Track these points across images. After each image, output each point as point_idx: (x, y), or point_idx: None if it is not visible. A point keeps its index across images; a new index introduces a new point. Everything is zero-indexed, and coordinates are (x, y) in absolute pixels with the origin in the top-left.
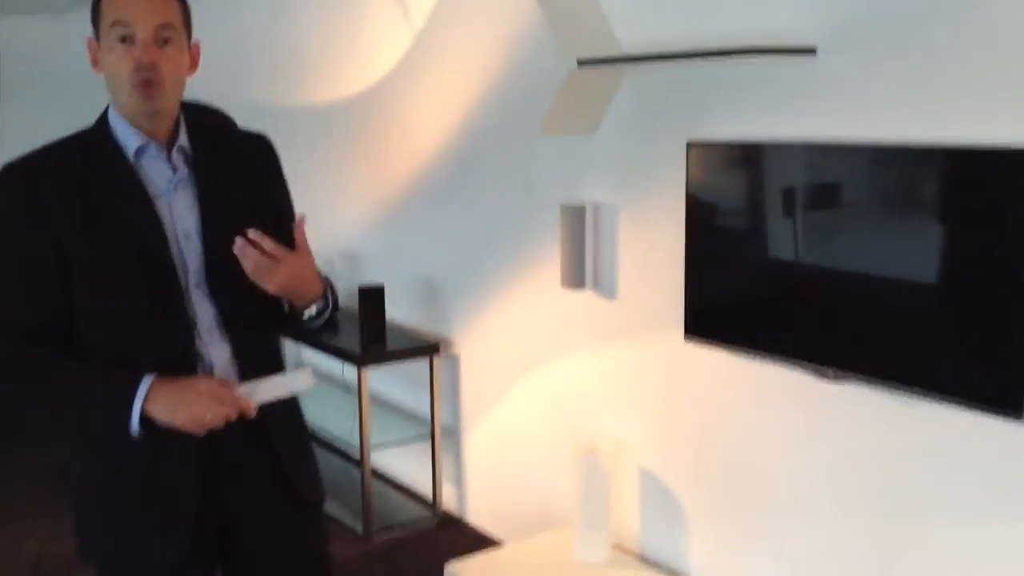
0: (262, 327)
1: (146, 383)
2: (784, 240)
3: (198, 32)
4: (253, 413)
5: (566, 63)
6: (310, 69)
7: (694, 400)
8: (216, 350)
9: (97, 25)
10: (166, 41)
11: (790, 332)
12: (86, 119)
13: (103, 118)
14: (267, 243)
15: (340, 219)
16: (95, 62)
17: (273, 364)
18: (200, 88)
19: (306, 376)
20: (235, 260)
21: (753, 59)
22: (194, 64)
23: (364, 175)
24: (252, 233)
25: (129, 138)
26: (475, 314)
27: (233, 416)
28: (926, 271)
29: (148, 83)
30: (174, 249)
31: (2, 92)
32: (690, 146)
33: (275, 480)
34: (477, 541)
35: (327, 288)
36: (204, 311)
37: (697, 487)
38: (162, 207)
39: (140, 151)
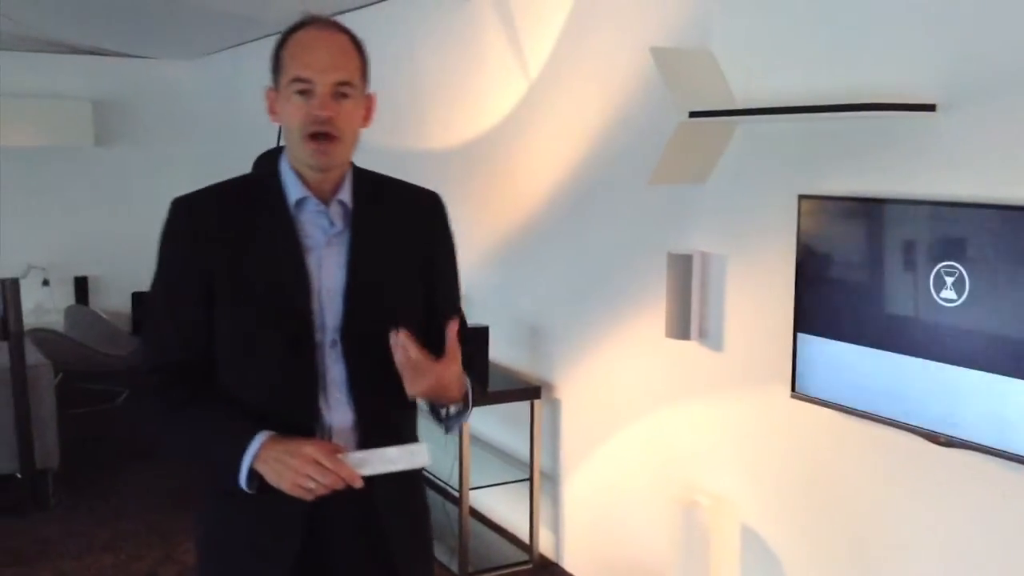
0: (392, 398)
1: (257, 442)
2: (899, 297)
3: None
4: (359, 483)
5: (678, 115)
6: (429, 115)
7: (799, 458)
8: (338, 414)
9: (277, 76)
10: (344, 96)
11: (901, 393)
12: (219, 160)
13: (275, 162)
14: (413, 351)
15: None
16: (272, 111)
17: (398, 439)
18: None
19: (422, 453)
20: (374, 323)
21: (872, 115)
22: (368, 116)
23: (475, 218)
24: (403, 338)
25: (292, 188)
26: (578, 359)
27: (338, 485)
28: None
29: (322, 137)
30: (315, 305)
31: (141, 131)
32: (802, 199)
33: (376, 558)
34: None
35: (467, 392)
36: (335, 371)
37: (799, 547)
38: (311, 261)
39: (300, 203)
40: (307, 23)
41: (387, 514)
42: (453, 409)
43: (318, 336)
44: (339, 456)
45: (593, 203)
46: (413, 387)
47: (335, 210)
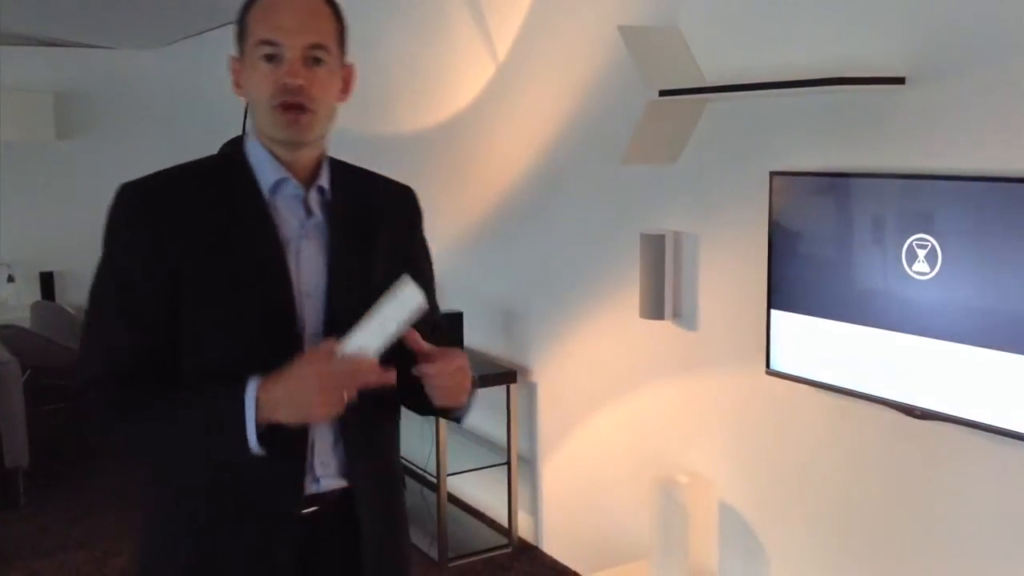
0: (377, 402)
1: (252, 389)
2: (871, 271)
3: None
4: (390, 378)
5: (647, 93)
6: (397, 99)
7: (775, 434)
8: (321, 426)
9: (242, 43)
10: (317, 61)
11: (876, 367)
12: (184, 151)
13: (239, 143)
14: (423, 345)
15: None
16: (237, 84)
17: (382, 444)
18: None
19: (411, 293)
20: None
21: (841, 89)
22: (346, 88)
23: (445, 203)
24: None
25: (266, 169)
26: (553, 342)
27: (359, 380)
28: (1019, 305)
29: (293, 107)
30: (296, 304)
31: (104, 123)
32: (773, 175)
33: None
34: (552, 570)
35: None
36: None
37: (777, 523)
38: (289, 255)
39: (277, 186)
40: None
41: (367, 526)
42: (457, 413)
43: (299, 337)
44: (340, 351)
45: (564, 185)
46: (457, 396)
47: (314, 197)
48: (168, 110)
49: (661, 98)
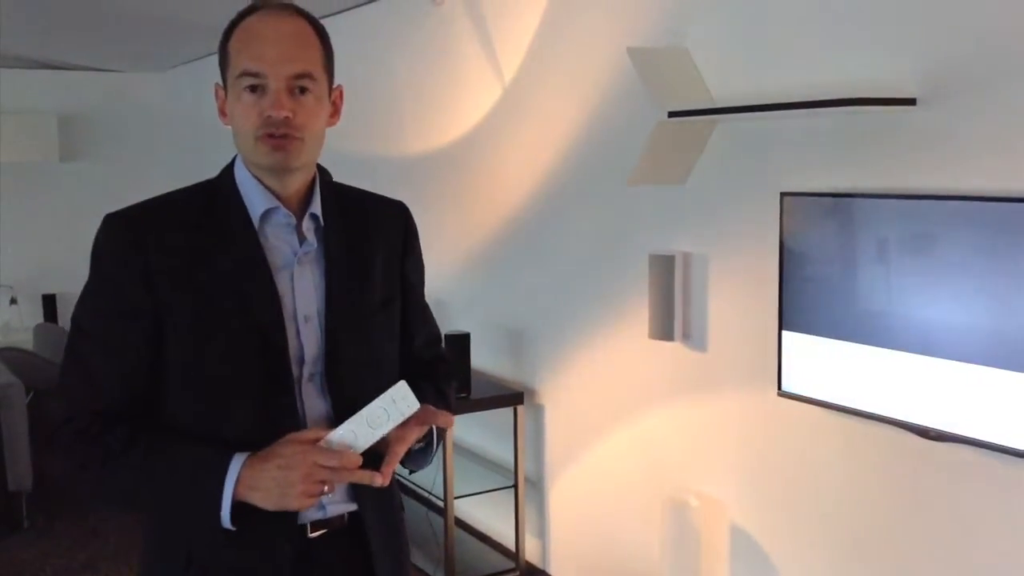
0: None
1: (236, 466)
2: (883, 293)
3: None
4: (380, 481)
5: (655, 114)
6: (403, 121)
7: (787, 456)
8: None
9: (225, 71)
10: (303, 91)
11: (890, 388)
12: (187, 175)
13: (228, 171)
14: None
15: (428, 266)
16: (222, 112)
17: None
18: None
19: (405, 395)
20: (358, 351)
21: (852, 110)
22: (335, 112)
23: (453, 224)
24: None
25: (256, 197)
26: (561, 364)
27: (343, 478)
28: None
29: (278, 137)
30: (290, 333)
31: (108, 146)
32: (784, 196)
33: None
34: None
35: (430, 431)
36: (314, 409)
37: (789, 546)
38: (282, 282)
39: (266, 215)
40: (256, 7)
41: (377, 548)
42: (417, 446)
43: (295, 370)
44: (325, 442)
45: (572, 206)
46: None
47: (308, 225)
48: (171, 133)
49: (670, 119)
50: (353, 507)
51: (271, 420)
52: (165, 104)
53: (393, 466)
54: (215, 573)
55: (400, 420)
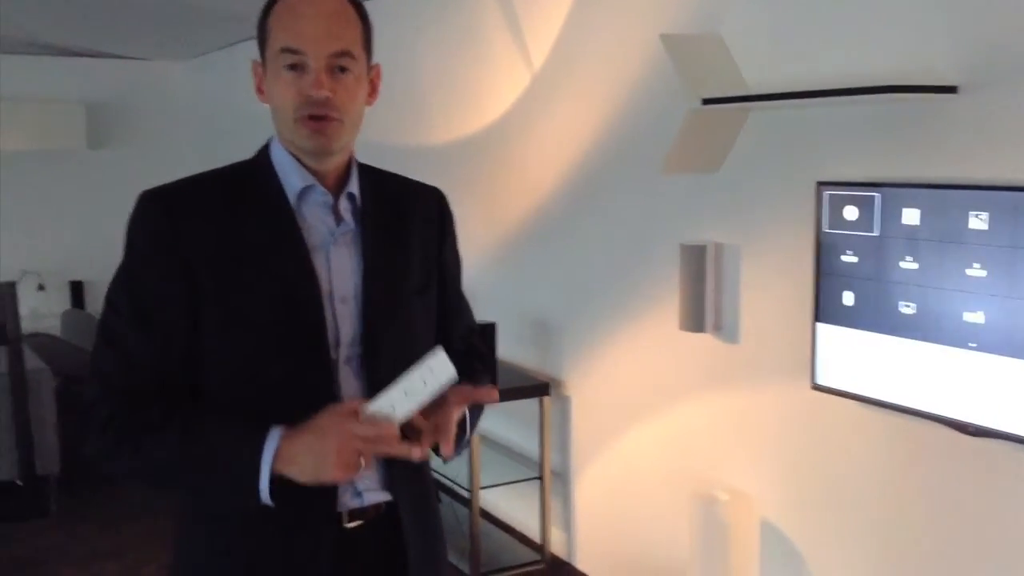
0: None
1: (273, 440)
2: (920, 285)
3: None
4: (417, 454)
5: (687, 102)
6: (431, 109)
7: (820, 451)
8: None
9: (263, 48)
10: (342, 70)
11: (927, 383)
12: (214, 162)
13: (264, 150)
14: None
15: None
16: (260, 90)
17: (419, 466)
18: None
19: (442, 360)
20: (395, 335)
21: (890, 98)
22: (373, 92)
23: (480, 213)
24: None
25: (292, 177)
26: (588, 354)
27: (380, 449)
28: None
29: (319, 119)
30: (327, 314)
31: (135, 133)
32: (820, 185)
33: None
34: None
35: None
36: (352, 391)
37: (821, 542)
38: (319, 262)
39: (304, 193)
40: None
41: (411, 539)
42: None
43: (332, 351)
44: (365, 411)
45: (602, 195)
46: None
47: (344, 205)
48: (199, 121)
49: (703, 107)
50: (388, 497)
51: (307, 400)
52: (192, 92)
53: (450, 437)
54: (253, 560)
55: (437, 389)
